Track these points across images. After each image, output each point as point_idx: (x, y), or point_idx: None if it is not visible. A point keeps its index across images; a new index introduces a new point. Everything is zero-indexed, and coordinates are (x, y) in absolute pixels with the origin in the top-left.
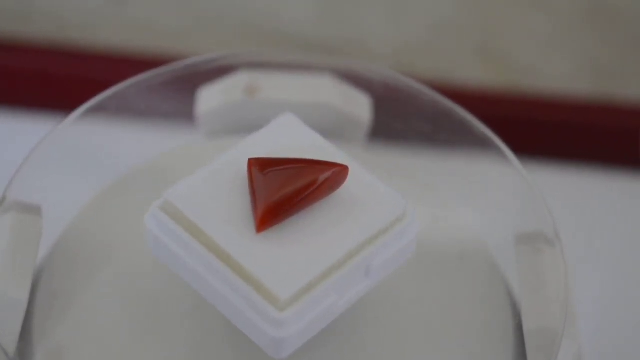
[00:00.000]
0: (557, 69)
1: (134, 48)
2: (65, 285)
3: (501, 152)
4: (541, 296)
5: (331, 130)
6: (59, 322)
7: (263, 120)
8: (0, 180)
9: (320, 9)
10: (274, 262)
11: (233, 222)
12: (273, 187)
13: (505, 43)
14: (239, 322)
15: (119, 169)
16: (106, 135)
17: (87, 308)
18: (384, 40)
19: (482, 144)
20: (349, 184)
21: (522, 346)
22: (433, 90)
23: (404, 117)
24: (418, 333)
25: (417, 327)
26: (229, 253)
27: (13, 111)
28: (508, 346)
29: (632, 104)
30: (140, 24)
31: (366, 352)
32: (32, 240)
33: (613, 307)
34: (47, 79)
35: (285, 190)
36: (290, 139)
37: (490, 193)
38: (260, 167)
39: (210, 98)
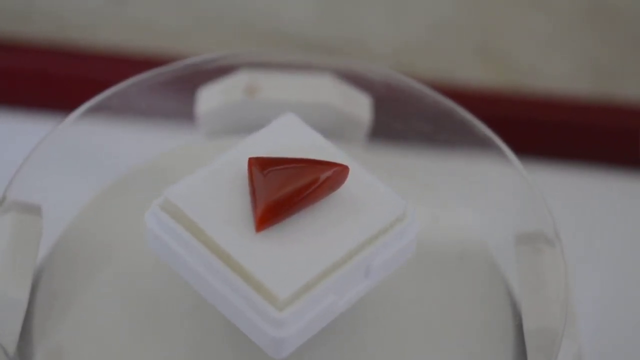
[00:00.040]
0: (557, 69)
1: (134, 48)
2: (65, 285)
3: (501, 152)
4: (541, 296)
5: (331, 130)
6: (59, 322)
7: (263, 120)
8: (0, 180)
9: (320, 9)
10: (273, 261)
11: (233, 221)
12: (273, 187)
13: (505, 43)
14: (238, 321)
15: (119, 169)
16: (106, 135)
17: (87, 308)
18: (384, 40)
19: (482, 144)
20: (349, 184)
21: (522, 346)
22: (433, 90)
23: (404, 117)
24: (418, 333)
25: (417, 327)
26: (228, 252)
27: (13, 111)
28: (508, 346)
29: (632, 104)
30: (140, 24)
31: (366, 352)
32: (32, 240)
33: (613, 307)
34: (47, 79)
35: (285, 190)
36: (291, 139)
37: (490, 193)
38: (261, 166)
39: (210, 98)
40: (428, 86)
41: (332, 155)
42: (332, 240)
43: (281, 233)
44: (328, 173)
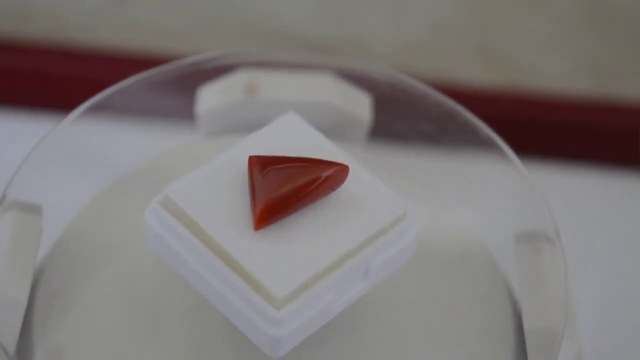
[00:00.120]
0: (557, 69)
1: (134, 48)
2: (65, 285)
3: (501, 152)
4: (541, 296)
5: (332, 130)
6: (59, 322)
7: (263, 119)
8: (0, 180)
9: (320, 9)
10: (271, 260)
11: (232, 219)
12: (272, 185)
13: (505, 43)
14: (236, 319)
15: (118, 168)
16: (106, 135)
17: (87, 308)
18: (384, 40)
19: (482, 143)
20: (350, 184)
21: (522, 346)
22: (434, 90)
23: (404, 117)
24: (418, 333)
25: (417, 327)
26: (227, 251)
27: (13, 111)
28: (508, 346)
29: (632, 104)
30: (140, 24)
31: (366, 351)
32: (32, 239)
33: (613, 307)
34: (47, 79)
35: (284, 189)
36: (292, 138)
37: (490, 193)
38: (261, 165)
39: (210, 97)
40: (429, 86)
41: (332, 155)
42: (331, 239)
43: (280, 232)
44: (328, 172)
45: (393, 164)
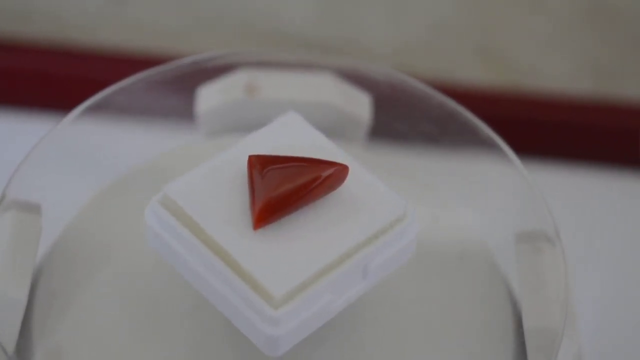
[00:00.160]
0: (557, 69)
1: (134, 48)
2: (65, 285)
3: (501, 152)
4: (541, 296)
5: (331, 129)
6: (59, 322)
7: (263, 119)
8: (0, 181)
9: (320, 9)
10: (270, 259)
11: (231, 218)
12: (271, 185)
13: (505, 43)
14: (234, 318)
15: (118, 168)
16: (106, 135)
17: (87, 308)
18: (384, 40)
19: (482, 143)
20: (349, 184)
21: (522, 346)
22: (434, 90)
23: (404, 117)
24: (418, 333)
25: (417, 327)
26: (225, 250)
27: (13, 111)
28: (508, 346)
29: (632, 104)
30: (140, 24)
31: (365, 351)
32: (31, 239)
33: (613, 307)
34: (47, 79)
35: (283, 188)
36: (292, 138)
37: (490, 193)
38: (260, 164)
39: (210, 97)
40: (428, 86)
41: (332, 155)
42: (330, 239)
43: (279, 231)
44: (327, 172)
45: (393, 164)
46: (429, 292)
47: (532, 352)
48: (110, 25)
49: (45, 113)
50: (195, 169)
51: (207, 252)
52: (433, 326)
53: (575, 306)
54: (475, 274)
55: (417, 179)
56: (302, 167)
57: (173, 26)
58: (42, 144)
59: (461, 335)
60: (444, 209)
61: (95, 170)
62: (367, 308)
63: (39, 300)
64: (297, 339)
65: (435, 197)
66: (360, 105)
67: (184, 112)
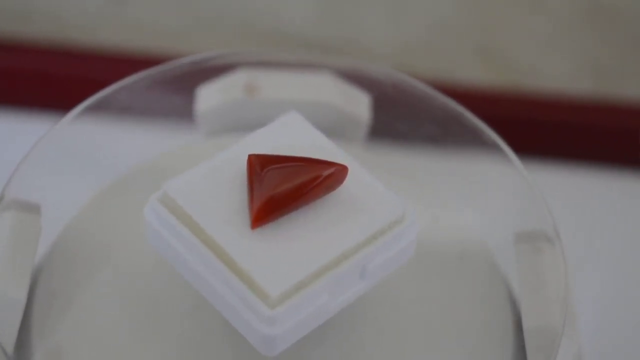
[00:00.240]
0: (557, 69)
1: (134, 48)
2: (64, 285)
3: (501, 152)
4: (541, 296)
5: (331, 129)
6: (58, 322)
7: (263, 119)
8: (0, 181)
9: (320, 9)
10: (267, 259)
11: (230, 217)
12: (270, 184)
13: (505, 43)
14: (231, 317)
15: (118, 168)
16: (105, 135)
17: (86, 308)
18: (384, 40)
19: (482, 144)
20: (349, 184)
21: (522, 346)
22: (434, 90)
23: (404, 117)
24: (418, 333)
25: (417, 327)
26: (223, 248)
27: (13, 111)
28: (508, 346)
29: (632, 104)
30: (140, 24)
31: (365, 351)
32: (31, 239)
33: (613, 307)
34: (47, 79)
35: (282, 187)
36: (293, 137)
37: (490, 193)
38: (260, 163)
39: (209, 97)
40: (429, 86)
41: (333, 155)
42: (328, 239)
43: (277, 231)
44: (326, 172)
45: (393, 164)
46: (428, 292)
47: (531, 352)
48: (110, 25)
49: (45, 113)
50: (195, 167)
51: (205, 251)
52: (433, 326)
53: (575, 306)
54: (475, 273)
55: (417, 179)
56: (301, 167)
57: (173, 26)
58: (42, 143)
59: (461, 335)
60: (444, 209)
61: (94, 170)
62: (367, 308)
63: (39, 300)
64: (294, 338)
65: (435, 197)
66: (359, 105)
67: (184, 112)
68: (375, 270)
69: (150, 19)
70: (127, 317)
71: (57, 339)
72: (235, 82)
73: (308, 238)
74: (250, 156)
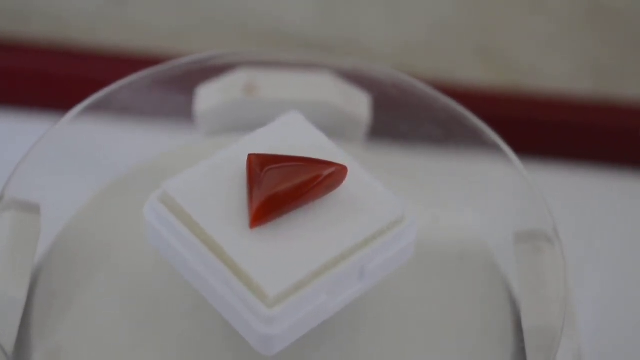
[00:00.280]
0: (557, 69)
1: (134, 48)
2: (64, 285)
3: (501, 152)
4: (541, 295)
5: (331, 129)
6: (58, 322)
7: (262, 119)
8: (0, 181)
9: (320, 10)
10: (266, 258)
11: (229, 216)
12: (269, 184)
13: (505, 43)
14: (230, 316)
15: (117, 168)
16: (105, 134)
17: (86, 307)
18: (384, 40)
19: (482, 143)
20: (348, 185)
21: (522, 345)
22: (434, 89)
23: (404, 117)
24: (418, 333)
25: (416, 326)
26: (222, 247)
27: (13, 111)
28: (507, 345)
29: (632, 104)
30: (140, 24)
31: (365, 351)
32: (30, 238)
33: (613, 307)
34: (46, 79)
35: (281, 187)
36: (293, 137)
37: (490, 193)
38: (259, 163)
39: (209, 97)
40: (429, 86)
41: (333, 155)
42: (327, 240)
43: (276, 230)
44: (326, 172)
45: (393, 164)
46: (428, 291)
47: (531, 352)
48: (110, 25)
49: (44, 113)
50: (195, 166)
51: (204, 250)
52: (433, 326)
53: (575, 306)
54: (475, 273)
55: (417, 179)
56: (300, 167)
57: (173, 26)
58: (41, 143)
59: (460, 334)
60: (443, 209)
61: (94, 170)
62: (367, 308)
63: (38, 300)
64: (292, 338)
65: (435, 197)
66: (359, 105)
67: (184, 112)
68: (375, 271)
69: (150, 19)
70: (127, 317)
71: (57, 338)
72: (235, 82)
73: (307, 238)
74: (250, 156)
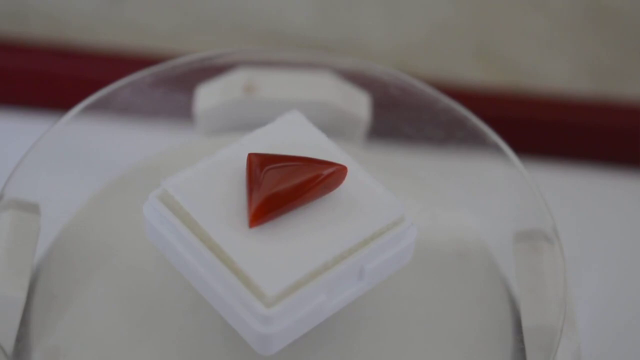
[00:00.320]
0: (557, 69)
1: (133, 48)
2: (63, 285)
3: (501, 151)
4: (540, 295)
5: (330, 128)
6: (57, 321)
7: (262, 118)
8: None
9: (320, 10)
10: (264, 257)
11: (229, 215)
12: (269, 183)
13: (505, 43)
14: (228, 315)
15: (117, 167)
16: (104, 134)
17: (85, 307)
18: (384, 40)
19: (482, 143)
20: (348, 185)
21: (521, 345)
22: (434, 89)
23: (404, 117)
24: (417, 332)
25: (415, 326)
26: (221, 246)
27: (12, 111)
28: (507, 345)
29: (632, 104)
30: (139, 25)
31: (365, 351)
32: (30, 238)
33: (612, 306)
34: (46, 79)
35: (280, 187)
36: (294, 137)
37: (490, 192)
38: (259, 162)
39: (208, 96)
40: (429, 86)
41: (333, 155)
42: (326, 240)
43: (275, 230)
44: (325, 173)
45: (393, 163)
46: (428, 291)
47: (531, 351)
48: (110, 26)
49: (44, 113)
50: (195, 164)
51: (203, 249)
52: (432, 325)
53: (574, 305)
54: (475, 273)
55: (417, 178)
56: (300, 167)
57: (173, 26)
58: (41, 143)
59: (460, 334)
60: (443, 208)
61: (93, 170)
62: (366, 307)
63: (38, 300)
64: (290, 338)
65: (434, 196)
66: (359, 105)
67: (184, 111)
68: (374, 272)
69: (150, 19)
70: (126, 316)
71: (56, 338)
72: (234, 81)
73: (306, 238)
74: (250, 155)
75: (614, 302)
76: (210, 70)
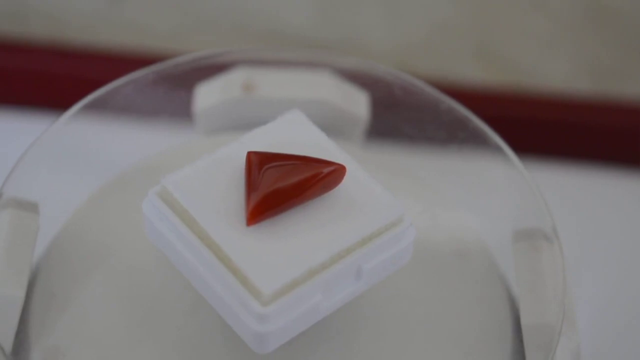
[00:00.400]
0: (557, 69)
1: (133, 48)
2: (62, 284)
3: (501, 151)
4: (539, 294)
5: (329, 127)
6: (56, 320)
7: (261, 117)
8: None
9: (320, 10)
10: (262, 256)
11: (227, 213)
12: (267, 182)
13: (505, 43)
14: (224, 313)
15: (116, 166)
16: (104, 133)
17: (84, 306)
18: (384, 40)
19: (482, 143)
20: (347, 184)
21: (521, 344)
22: (433, 88)
23: (404, 116)
24: (417, 331)
25: (416, 325)
26: (218, 244)
27: (11, 111)
28: (506, 344)
29: (632, 104)
30: (139, 24)
31: (364, 350)
32: (29, 237)
33: (611, 306)
34: (45, 79)
35: (278, 185)
36: (293, 136)
37: (490, 192)
38: (258, 160)
39: (208, 95)
40: (428, 85)
41: (332, 154)
42: (323, 239)
43: (273, 229)
44: (324, 172)
45: (392, 163)
46: (427, 290)
47: (530, 350)
48: (110, 25)
49: (43, 113)
50: (195, 162)
51: (200, 246)
52: (431, 324)
53: (574, 304)
54: (474, 272)
55: (416, 177)
56: (299, 166)
57: (172, 26)
58: (40, 142)
59: (459, 333)
60: (443, 208)
61: (92, 169)
62: (366, 307)
63: (37, 299)
64: (287, 337)
65: (434, 196)
66: (358, 104)
67: (183, 110)
68: (371, 272)
69: (150, 19)
70: (125, 315)
71: (55, 337)
72: (233, 80)
73: (304, 237)
74: (249, 153)
75: (613, 301)
76: (210, 69)
